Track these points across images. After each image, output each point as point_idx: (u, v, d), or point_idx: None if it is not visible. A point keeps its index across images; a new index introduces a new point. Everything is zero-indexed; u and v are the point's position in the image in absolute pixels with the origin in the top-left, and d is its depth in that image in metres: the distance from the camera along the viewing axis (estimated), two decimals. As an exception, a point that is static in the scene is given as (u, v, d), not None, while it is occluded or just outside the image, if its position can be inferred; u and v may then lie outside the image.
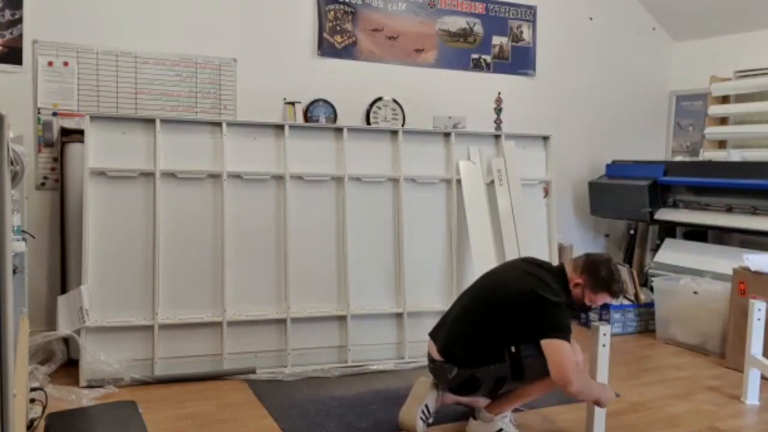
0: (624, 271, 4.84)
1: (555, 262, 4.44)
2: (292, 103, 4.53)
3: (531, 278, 2.84)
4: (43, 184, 3.95)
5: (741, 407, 3.40)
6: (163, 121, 3.73)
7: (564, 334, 2.73)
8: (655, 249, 5.30)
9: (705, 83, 5.52)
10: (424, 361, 3.93)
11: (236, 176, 3.80)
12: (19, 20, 3.83)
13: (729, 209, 4.72)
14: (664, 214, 5.09)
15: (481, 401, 2.99)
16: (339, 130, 4.07)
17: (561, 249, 4.68)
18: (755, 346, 3.46)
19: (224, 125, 3.80)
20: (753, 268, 3.93)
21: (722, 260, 4.55)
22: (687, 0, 5.53)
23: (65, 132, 3.90)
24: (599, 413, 2.92)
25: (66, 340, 3.64)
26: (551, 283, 2.84)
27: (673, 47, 6.00)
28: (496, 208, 4.20)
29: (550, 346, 2.68)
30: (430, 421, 2.99)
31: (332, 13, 4.68)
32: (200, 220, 3.74)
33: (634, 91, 5.86)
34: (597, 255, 2.98)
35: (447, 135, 4.28)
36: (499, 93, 5.13)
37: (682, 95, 5.91)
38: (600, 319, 4.79)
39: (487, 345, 2.83)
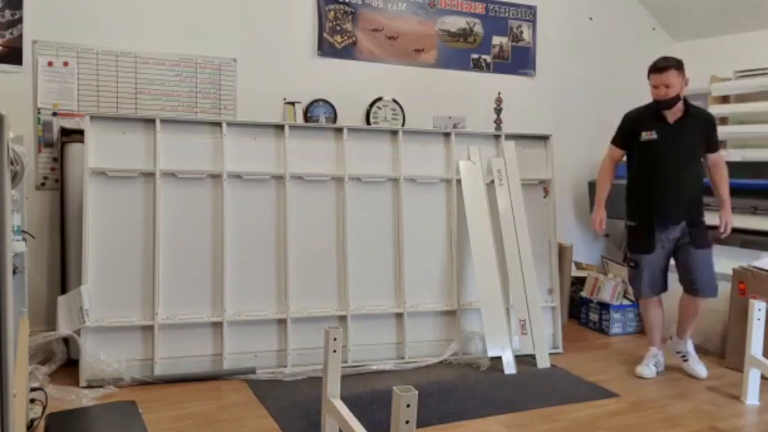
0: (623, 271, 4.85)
1: (555, 263, 4.45)
2: (292, 103, 4.53)
3: None
4: (43, 184, 3.95)
5: (741, 407, 3.40)
6: (163, 121, 3.73)
7: (612, 140, 3.95)
8: (655, 249, 5.28)
9: (705, 83, 5.51)
10: (424, 361, 3.96)
11: (236, 176, 3.80)
12: (19, 20, 3.84)
13: (729, 209, 4.71)
14: (664, 214, 5.08)
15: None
16: (339, 130, 4.07)
17: (561, 249, 4.68)
18: (755, 346, 3.46)
19: (224, 125, 3.80)
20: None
21: (722, 260, 4.54)
22: (687, 0, 5.53)
23: (65, 132, 3.90)
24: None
25: (66, 340, 3.64)
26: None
27: (673, 47, 5.99)
28: (496, 208, 4.20)
29: None
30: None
31: (332, 13, 4.68)
32: (200, 220, 3.74)
33: (634, 91, 5.84)
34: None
35: (447, 135, 4.28)
36: (499, 93, 5.12)
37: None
38: (600, 320, 4.80)
39: None
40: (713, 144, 3.79)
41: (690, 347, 3.93)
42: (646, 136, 3.71)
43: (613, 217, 5.56)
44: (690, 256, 3.73)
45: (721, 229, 3.78)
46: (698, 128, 3.71)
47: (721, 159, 3.85)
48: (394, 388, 1.97)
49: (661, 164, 3.69)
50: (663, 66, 3.64)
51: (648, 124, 3.72)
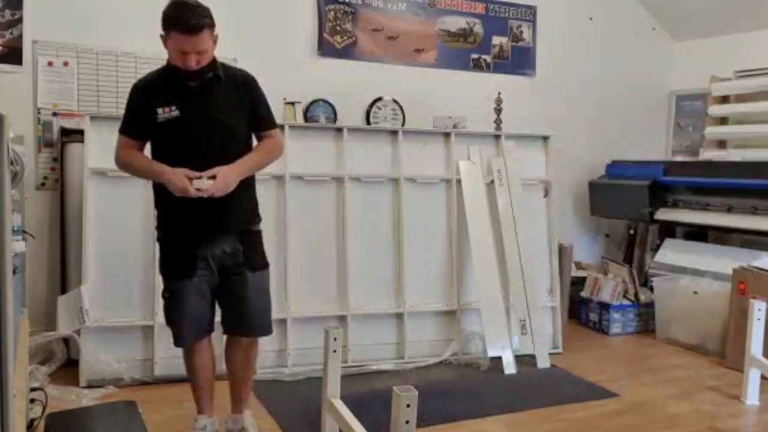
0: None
1: (555, 263, 4.45)
2: (292, 103, 4.52)
3: None
4: (43, 184, 3.95)
5: (741, 407, 3.40)
6: (163, 121, 3.72)
7: (120, 127, 2.62)
8: (655, 249, 5.29)
9: (705, 83, 5.51)
10: (424, 361, 3.96)
11: (236, 176, 3.79)
12: (19, 20, 3.83)
13: (729, 209, 4.72)
14: (664, 214, 5.09)
15: None
16: (339, 130, 4.07)
17: (561, 249, 4.68)
18: (755, 346, 3.46)
19: (224, 125, 3.79)
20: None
21: (722, 260, 4.55)
22: (687, 0, 5.53)
23: (65, 132, 3.90)
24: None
25: (66, 340, 3.64)
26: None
27: (673, 47, 6.00)
28: (496, 208, 4.20)
29: None
30: None
31: (332, 13, 4.68)
32: (200, 220, 3.73)
33: (634, 91, 5.85)
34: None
35: (447, 135, 4.28)
36: (499, 93, 5.12)
37: (682, 95, 5.91)
38: (600, 320, 4.79)
39: None
40: (262, 118, 2.67)
41: (249, 420, 2.82)
42: (163, 114, 2.53)
43: (613, 217, 5.60)
44: (244, 282, 2.65)
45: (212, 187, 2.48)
46: (235, 96, 2.60)
47: (278, 139, 2.74)
48: (394, 388, 1.97)
49: (187, 149, 2.54)
50: (195, 25, 2.39)
51: (164, 95, 2.54)
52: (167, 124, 2.53)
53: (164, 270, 2.67)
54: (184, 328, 2.67)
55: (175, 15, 2.40)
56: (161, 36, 2.46)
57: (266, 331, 2.79)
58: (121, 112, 2.65)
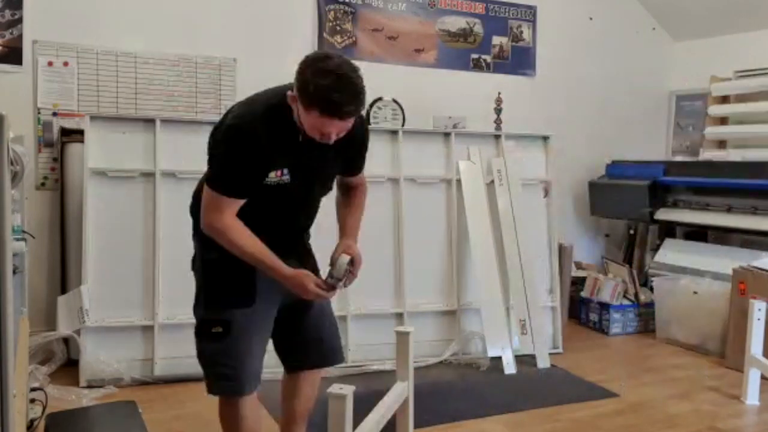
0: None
1: (555, 263, 4.45)
2: (292, 103, 4.52)
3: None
4: (43, 184, 3.95)
5: (741, 407, 3.40)
6: (163, 121, 3.73)
7: (217, 182, 1.96)
8: (655, 249, 5.29)
9: (705, 83, 5.51)
10: (424, 362, 3.95)
11: (236, 176, 3.79)
12: (19, 20, 3.83)
13: (729, 209, 4.72)
14: (664, 214, 5.09)
15: None
16: (339, 130, 4.06)
17: (561, 249, 4.68)
18: (755, 346, 3.46)
19: (224, 125, 3.79)
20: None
21: (722, 260, 4.55)
22: (687, 0, 5.53)
23: (65, 132, 3.90)
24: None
25: (66, 340, 3.64)
26: (250, 101, 2.09)
27: (673, 47, 6.00)
28: (496, 208, 4.20)
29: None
30: None
31: (332, 13, 4.68)
32: (200, 220, 3.73)
33: (634, 91, 5.85)
34: (315, 52, 2.04)
35: (447, 135, 4.28)
36: (499, 93, 5.12)
37: (682, 95, 5.91)
38: (600, 320, 4.79)
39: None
40: (361, 164, 2.35)
41: None
42: (275, 177, 2.02)
43: (613, 217, 5.59)
44: (316, 305, 2.30)
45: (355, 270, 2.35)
46: (344, 145, 2.08)
47: (364, 180, 2.44)
48: (329, 390, 1.86)
49: (280, 215, 2.15)
50: (347, 112, 1.88)
51: (278, 154, 2.01)
52: (272, 189, 2.02)
53: (217, 299, 2.09)
54: (245, 370, 2.08)
55: (329, 96, 1.81)
56: (291, 96, 1.92)
57: (342, 355, 2.46)
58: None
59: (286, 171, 2.01)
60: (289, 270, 2.03)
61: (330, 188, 2.27)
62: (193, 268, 2.21)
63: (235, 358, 2.07)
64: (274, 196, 2.04)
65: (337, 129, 1.91)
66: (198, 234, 2.13)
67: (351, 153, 2.20)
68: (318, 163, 2.09)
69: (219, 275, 2.09)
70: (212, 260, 2.10)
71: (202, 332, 2.11)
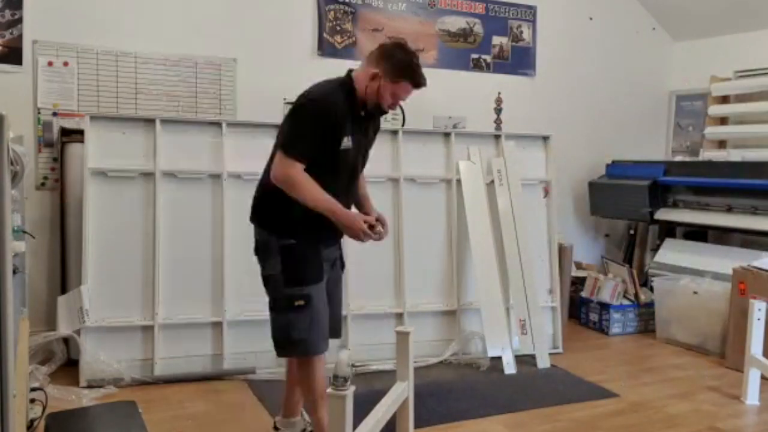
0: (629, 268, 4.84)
1: (555, 263, 4.45)
2: (292, 104, 4.52)
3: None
4: (43, 184, 3.95)
5: (741, 407, 3.40)
6: (163, 121, 3.73)
7: (295, 148, 2.38)
8: (655, 249, 5.30)
9: (705, 83, 5.52)
10: (424, 362, 3.95)
11: (236, 176, 3.80)
12: (19, 20, 3.83)
13: (729, 209, 4.72)
14: (664, 214, 5.09)
15: None
16: (339, 130, 4.06)
17: (561, 249, 4.68)
18: (755, 346, 3.46)
19: (224, 125, 3.80)
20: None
21: (722, 260, 4.55)
22: (687, 0, 5.53)
23: (65, 132, 3.90)
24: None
25: (66, 340, 3.64)
26: (322, 85, 2.51)
27: (673, 47, 6.00)
28: (496, 208, 4.20)
29: (276, 159, 2.42)
30: None
31: (332, 13, 4.68)
32: (200, 220, 3.74)
33: (634, 91, 5.85)
34: (391, 41, 2.73)
35: (447, 135, 4.28)
36: (499, 93, 5.12)
37: (682, 95, 5.91)
38: (600, 320, 4.79)
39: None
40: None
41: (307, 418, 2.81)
42: (346, 143, 2.47)
43: (613, 217, 5.59)
44: (340, 284, 2.81)
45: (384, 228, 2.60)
46: (374, 126, 2.71)
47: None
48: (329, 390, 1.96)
49: (342, 179, 2.55)
50: (425, 83, 2.54)
51: (349, 123, 2.48)
52: (341, 154, 2.45)
53: (299, 277, 2.48)
54: (322, 334, 2.53)
55: (415, 70, 2.49)
56: (374, 74, 2.45)
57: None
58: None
59: (350, 138, 2.45)
60: (347, 211, 2.48)
61: (367, 160, 2.68)
62: (261, 255, 2.61)
63: (315, 324, 2.49)
64: (341, 159, 2.47)
65: (407, 96, 2.54)
66: (269, 225, 2.57)
67: (376, 128, 2.71)
68: (365, 135, 2.60)
69: (296, 258, 2.49)
70: (289, 246, 2.49)
71: (285, 307, 2.49)
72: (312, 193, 2.39)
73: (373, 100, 2.49)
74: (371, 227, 2.47)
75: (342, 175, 2.52)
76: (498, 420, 3.15)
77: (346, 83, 2.51)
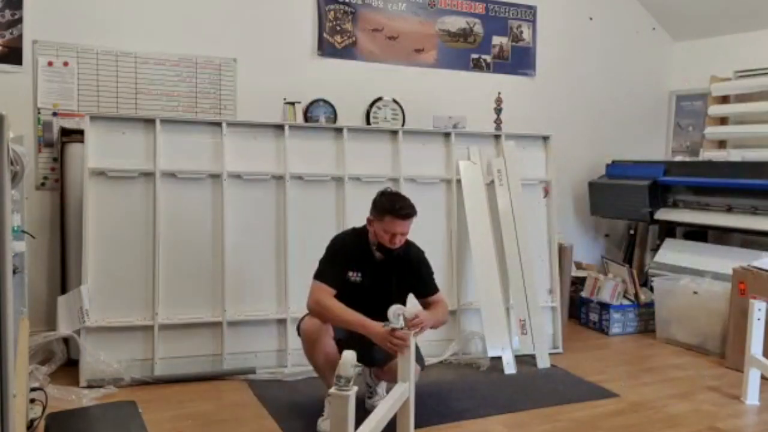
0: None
1: (555, 263, 4.45)
2: (292, 103, 4.53)
3: None
4: (43, 184, 3.95)
5: (741, 407, 3.40)
6: (163, 121, 3.73)
7: (321, 276, 2.98)
8: (655, 249, 5.30)
9: (705, 83, 5.52)
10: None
11: (236, 176, 3.80)
12: (19, 20, 3.83)
13: (729, 209, 4.72)
14: (664, 214, 5.09)
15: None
16: (339, 130, 4.07)
17: (561, 249, 4.68)
18: (755, 346, 3.46)
19: (224, 125, 3.80)
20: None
21: (722, 260, 4.55)
22: (687, 0, 5.53)
23: (65, 132, 3.90)
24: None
25: (66, 340, 3.63)
26: (345, 231, 3.24)
27: (673, 47, 6.00)
28: (496, 208, 4.20)
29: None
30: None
31: (332, 13, 4.68)
32: (200, 220, 3.74)
33: (634, 91, 5.86)
34: (382, 192, 3.10)
35: (447, 135, 4.28)
36: (499, 93, 5.12)
37: (682, 95, 5.91)
38: (600, 320, 4.79)
39: None
40: (430, 287, 3.16)
41: None
42: (351, 276, 3.04)
43: (613, 217, 5.59)
44: None
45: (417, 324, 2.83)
46: (407, 272, 3.10)
47: (446, 303, 3.18)
48: (330, 390, 1.94)
49: (356, 307, 2.90)
50: (407, 213, 2.95)
51: (356, 261, 3.05)
52: (351, 285, 3.01)
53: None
54: None
55: (392, 204, 2.95)
56: (369, 219, 3.02)
57: None
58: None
59: (359, 274, 3.04)
60: (376, 325, 2.81)
61: (392, 303, 2.87)
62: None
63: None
64: (352, 290, 3.00)
65: (400, 229, 2.94)
66: None
67: (412, 273, 3.11)
68: (384, 275, 3.05)
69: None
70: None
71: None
72: (340, 311, 2.89)
73: (377, 241, 3.01)
74: (394, 332, 2.72)
75: (363, 301, 2.92)
76: (498, 420, 3.15)
77: (361, 231, 3.11)
